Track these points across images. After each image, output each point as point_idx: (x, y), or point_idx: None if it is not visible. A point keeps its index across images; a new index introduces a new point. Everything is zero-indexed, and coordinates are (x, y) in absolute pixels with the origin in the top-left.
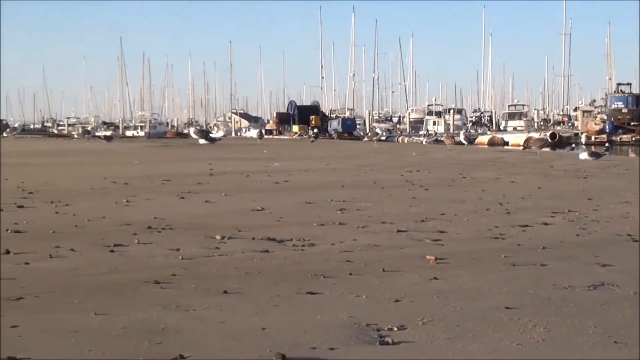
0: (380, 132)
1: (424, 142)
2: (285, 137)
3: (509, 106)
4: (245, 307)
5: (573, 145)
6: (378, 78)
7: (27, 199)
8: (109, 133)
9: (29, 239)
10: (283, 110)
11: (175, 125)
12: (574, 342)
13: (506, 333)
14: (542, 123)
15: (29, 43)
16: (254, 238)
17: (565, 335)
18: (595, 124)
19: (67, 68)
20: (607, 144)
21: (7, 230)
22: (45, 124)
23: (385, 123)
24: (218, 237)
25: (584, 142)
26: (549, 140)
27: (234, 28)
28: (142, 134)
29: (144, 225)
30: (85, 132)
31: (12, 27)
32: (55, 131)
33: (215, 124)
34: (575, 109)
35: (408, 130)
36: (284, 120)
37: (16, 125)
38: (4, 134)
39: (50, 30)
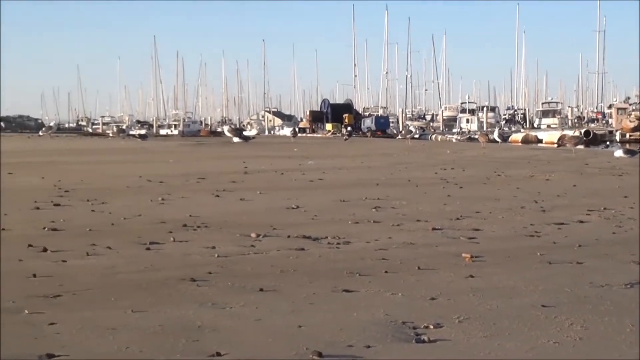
0: (413, 130)
1: (453, 140)
2: (319, 136)
3: (542, 104)
4: (281, 304)
5: (607, 142)
6: (411, 76)
7: (63, 198)
8: (143, 132)
9: (66, 237)
10: (316, 108)
11: (209, 123)
12: (611, 340)
13: (543, 331)
14: (576, 120)
15: (64, 42)
16: (289, 236)
17: (602, 334)
18: (630, 121)
19: (101, 67)
20: None
21: (44, 228)
22: (79, 123)
23: (419, 121)
24: (253, 235)
25: (618, 140)
26: (583, 137)
27: (267, 26)
28: (175, 132)
29: (180, 223)
30: (120, 130)
31: (46, 27)
32: (90, 130)
33: (248, 123)
34: (610, 107)
35: (441, 128)
36: (317, 118)
37: (52, 124)
38: (40, 133)
39: (85, 29)
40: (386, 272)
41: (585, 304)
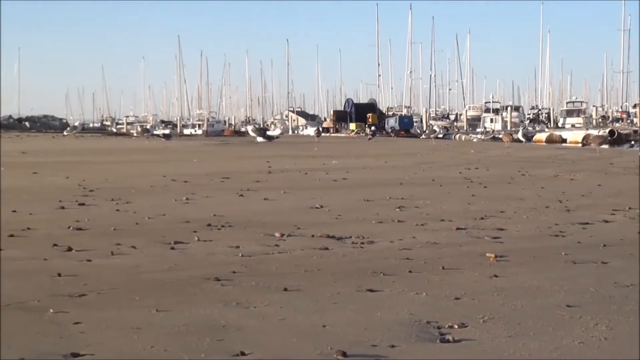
0: (437, 130)
1: (474, 140)
2: (342, 135)
3: (567, 103)
4: (306, 304)
5: (632, 142)
6: (435, 75)
7: (88, 197)
8: (167, 131)
9: (90, 236)
10: (340, 108)
11: (233, 123)
12: (636, 340)
13: (568, 331)
14: (600, 120)
15: (88, 43)
16: (313, 235)
17: (627, 334)
18: None
19: (125, 67)
20: None
21: (69, 227)
22: (104, 123)
23: (442, 121)
24: (277, 234)
25: None
26: (608, 137)
27: (290, 26)
28: (199, 132)
29: (204, 222)
30: (144, 130)
31: (71, 27)
32: (114, 130)
33: (272, 122)
34: (634, 106)
35: (465, 128)
36: (341, 118)
37: (76, 124)
38: (65, 133)
39: (109, 29)
40: (410, 271)
41: (610, 304)
